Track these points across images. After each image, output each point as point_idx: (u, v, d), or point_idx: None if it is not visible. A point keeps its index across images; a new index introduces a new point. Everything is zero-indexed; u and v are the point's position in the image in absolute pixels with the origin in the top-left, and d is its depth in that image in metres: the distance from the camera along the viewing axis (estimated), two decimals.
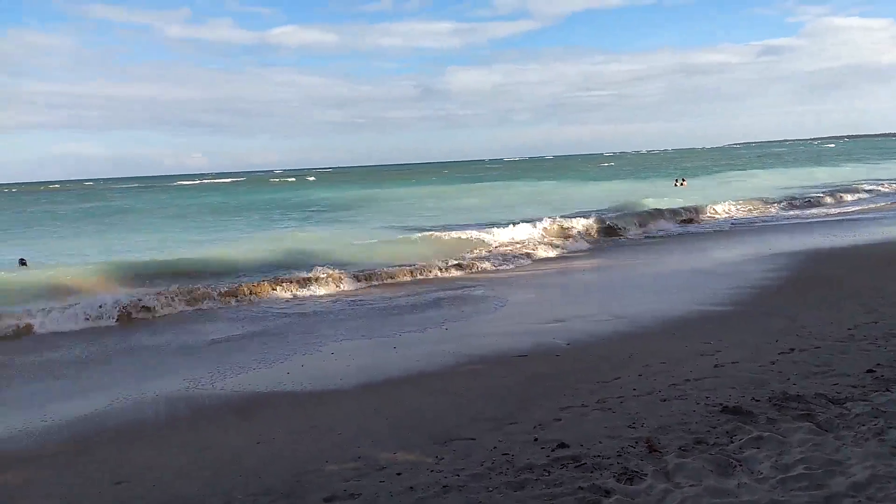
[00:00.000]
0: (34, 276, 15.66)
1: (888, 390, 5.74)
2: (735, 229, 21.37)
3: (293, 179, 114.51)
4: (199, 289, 13.49)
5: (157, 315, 12.37)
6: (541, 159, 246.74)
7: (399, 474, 5.06)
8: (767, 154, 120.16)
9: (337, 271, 14.89)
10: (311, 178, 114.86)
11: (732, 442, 4.98)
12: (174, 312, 12.59)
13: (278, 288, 14.00)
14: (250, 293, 13.63)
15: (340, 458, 5.54)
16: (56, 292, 13.55)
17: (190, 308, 12.84)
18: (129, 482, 5.50)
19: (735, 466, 4.60)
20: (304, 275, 14.60)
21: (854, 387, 5.89)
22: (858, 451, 4.63)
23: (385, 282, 14.78)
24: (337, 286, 14.30)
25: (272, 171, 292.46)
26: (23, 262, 17.94)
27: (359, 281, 14.77)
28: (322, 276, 14.54)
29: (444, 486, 4.73)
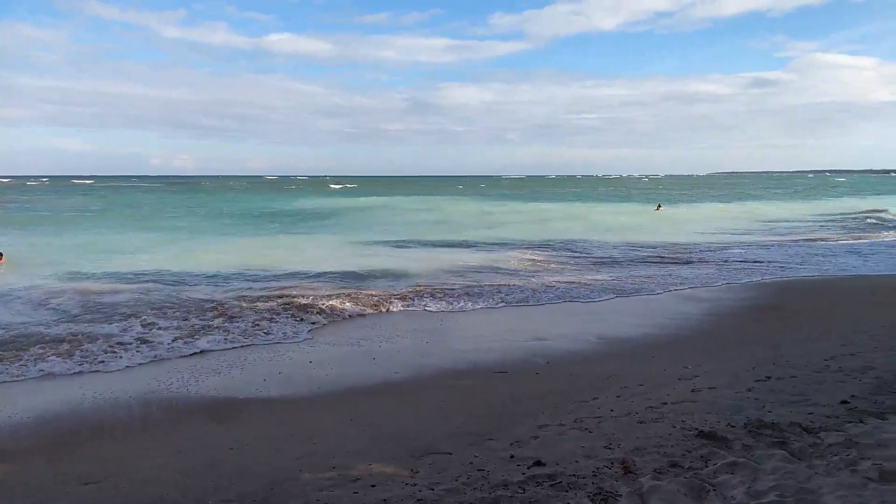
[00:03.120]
0: None
1: (862, 421, 5.78)
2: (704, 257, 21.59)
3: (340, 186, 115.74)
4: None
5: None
6: (542, 178, 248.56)
7: (373, 486, 5.03)
8: (762, 185, 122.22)
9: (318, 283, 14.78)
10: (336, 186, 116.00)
11: (707, 466, 4.99)
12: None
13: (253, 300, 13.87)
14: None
15: (316, 467, 5.51)
16: None
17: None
18: (100, 482, 5.43)
19: (708, 491, 4.61)
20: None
21: (828, 417, 5.94)
22: (831, 481, 4.65)
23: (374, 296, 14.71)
24: (320, 301, 14.19)
25: (262, 176, 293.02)
26: None
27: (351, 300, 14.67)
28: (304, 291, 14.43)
29: (417, 500, 4.71)
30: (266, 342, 10.36)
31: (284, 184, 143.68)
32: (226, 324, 11.38)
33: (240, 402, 7.60)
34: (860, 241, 25.73)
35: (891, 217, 37.73)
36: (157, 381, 8.34)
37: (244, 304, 12.92)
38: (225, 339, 10.48)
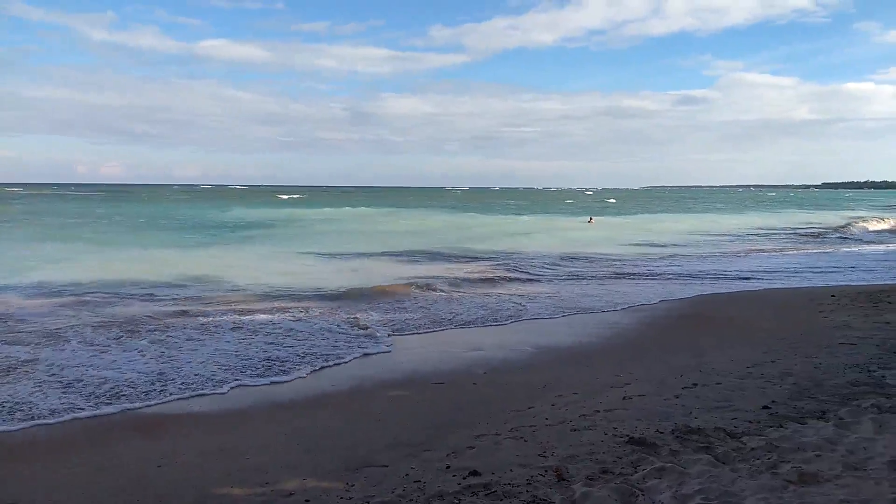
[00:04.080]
0: None
1: (782, 426, 6.05)
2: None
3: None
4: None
5: None
6: (486, 190, 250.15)
7: (307, 501, 4.96)
8: (692, 198, 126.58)
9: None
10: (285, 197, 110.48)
11: (636, 472, 5.12)
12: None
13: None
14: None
15: (247, 482, 5.39)
16: None
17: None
18: (17, 503, 5.17)
19: (637, 496, 4.74)
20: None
21: (750, 422, 6.19)
22: (753, 484, 4.85)
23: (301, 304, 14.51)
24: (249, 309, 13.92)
25: (196, 184, 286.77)
26: None
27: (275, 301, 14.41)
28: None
29: None
30: (195, 356, 10.03)
31: (224, 193, 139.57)
32: (158, 338, 11.00)
33: (169, 417, 7.36)
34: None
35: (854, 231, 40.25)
36: (80, 396, 7.98)
37: (179, 319, 12.57)
38: (158, 352, 10.12)
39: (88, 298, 14.61)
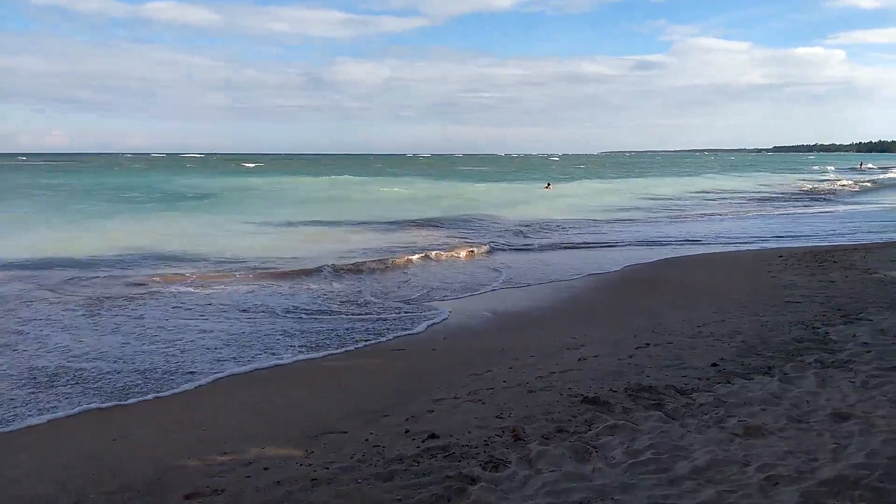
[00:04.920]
0: None
1: (729, 382, 6.29)
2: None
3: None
4: None
5: None
6: (450, 157, 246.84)
7: (266, 469, 4.98)
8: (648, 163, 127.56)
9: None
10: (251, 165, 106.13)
11: (590, 430, 5.28)
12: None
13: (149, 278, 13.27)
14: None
15: (206, 453, 5.38)
16: None
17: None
18: None
19: (591, 452, 4.89)
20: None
21: (700, 379, 6.41)
22: (701, 438, 5.05)
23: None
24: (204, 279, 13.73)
25: (147, 153, 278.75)
26: None
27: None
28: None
29: (312, 480, 4.71)
30: (148, 325, 9.86)
31: (179, 161, 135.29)
32: (130, 316, 10.61)
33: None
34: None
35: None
36: (30, 370, 7.79)
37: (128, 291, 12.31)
38: (110, 322, 9.91)
39: (45, 275, 13.70)
